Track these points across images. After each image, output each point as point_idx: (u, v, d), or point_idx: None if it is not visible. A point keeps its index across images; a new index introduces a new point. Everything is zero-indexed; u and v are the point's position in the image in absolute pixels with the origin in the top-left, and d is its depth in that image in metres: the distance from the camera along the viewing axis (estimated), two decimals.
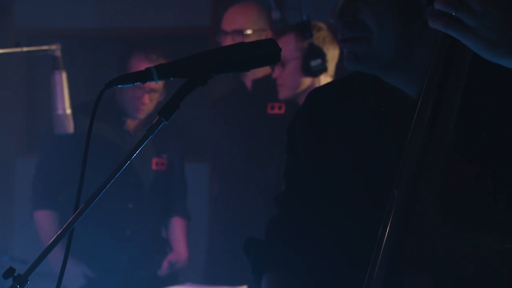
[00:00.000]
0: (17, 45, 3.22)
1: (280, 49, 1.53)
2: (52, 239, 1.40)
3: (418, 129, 1.48)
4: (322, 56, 3.65)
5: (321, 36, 3.70)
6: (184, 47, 5.29)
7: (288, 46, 3.63)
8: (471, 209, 1.48)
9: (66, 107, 3.25)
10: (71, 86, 3.33)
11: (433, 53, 1.50)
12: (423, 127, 1.48)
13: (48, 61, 3.33)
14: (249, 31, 3.88)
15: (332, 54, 3.72)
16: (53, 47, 3.27)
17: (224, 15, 4.01)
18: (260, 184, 3.90)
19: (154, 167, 4.07)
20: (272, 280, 1.76)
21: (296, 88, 3.71)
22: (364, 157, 1.64)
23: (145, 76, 1.48)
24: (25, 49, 3.24)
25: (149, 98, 3.93)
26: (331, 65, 3.73)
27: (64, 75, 3.28)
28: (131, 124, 4.03)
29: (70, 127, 3.25)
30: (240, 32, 3.88)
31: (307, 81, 3.70)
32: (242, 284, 3.37)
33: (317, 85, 3.56)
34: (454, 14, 1.35)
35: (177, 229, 4.17)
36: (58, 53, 3.27)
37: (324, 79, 3.66)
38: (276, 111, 3.92)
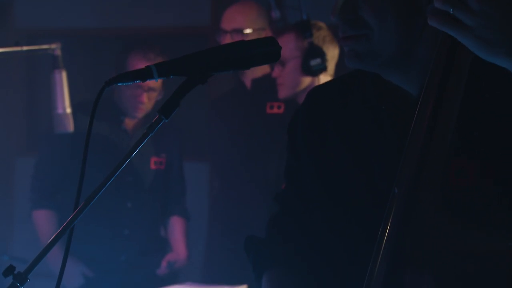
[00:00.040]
0: (17, 44, 3.22)
1: (280, 47, 1.53)
2: (52, 237, 1.40)
3: (418, 128, 1.48)
4: (322, 55, 3.65)
5: (321, 35, 3.70)
6: (184, 46, 5.26)
7: (288, 45, 3.63)
8: (471, 207, 1.48)
9: (66, 106, 3.25)
10: (71, 85, 3.33)
11: (434, 51, 1.50)
12: (423, 126, 1.48)
13: (48, 60, 3.33)
14: (248, 30, 3.88)
15: (332, 54, 3.73)
16: (53, 46, 3.27)
17: (224, 14, 4.01)
18: (259, 183, 3.90)
19: (153, 166, 4.07)
20: (272, 278, 1.76)
21: (295, 88, 3.71)
22: (365, 155, 1.64)
23: (145, 74, 1.48)
24: (25, 48, 3.24)
25: (147, 97, 3.93)
26: (331, 65, 3.73)
27: (64, 74, 3.28)
28: (129, 123, 4.03)
29: (70, 126, 3.25)
30: (240, 31, 3.88)
31: (306, 81, 3.70)
32: (242, 283, 3.36)
33: (316, 84, 3.55)
34: (451, 12, 1.35)
35: (176, 228, 4.16)
36: (58, 52, 3.27)
37: (324, 78, 3.66)
38: (275, 110, 3.92)
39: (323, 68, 3.66)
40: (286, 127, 1.83)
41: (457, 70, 1.48)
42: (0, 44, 3.29)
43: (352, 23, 1.57)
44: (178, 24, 5.52)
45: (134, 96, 3.92)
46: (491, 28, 1.34)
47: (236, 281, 3.44)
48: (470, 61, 1.48)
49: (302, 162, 1.75)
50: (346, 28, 1.58)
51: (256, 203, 3.86)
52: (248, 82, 4.04)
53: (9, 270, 1.39)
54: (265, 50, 1.52)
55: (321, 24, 3.74)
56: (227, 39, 3.88)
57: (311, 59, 3.64)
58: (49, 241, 1.40)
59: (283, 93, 3.74)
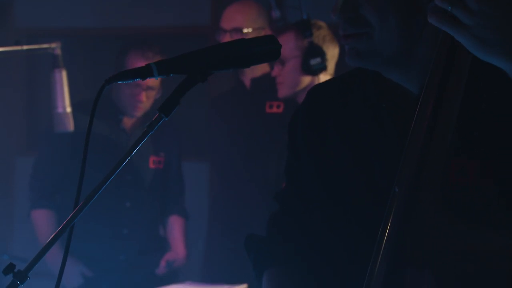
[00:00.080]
0: (17, 43, 3.22)
1: (280, 46, 1.53)
2: (53, 235, 1.40)
3: (418, 128, 1.49)
4: (322, 55, 3.65)
5: (321, 34, 3.70)
6: (184, 46, 5.25)
7: (288, 44, 3.63)
8: (472, 207, 1.48)
9: (66, 105, 3.25)
10: (71, 84, 3.33)
11: (434, 50, 1.50)
12: (423, 126, 1.48)
13: (48, 59, 3.33)
14: (247, 30, 3.88)
15: (332, 53, 3.72)
16: (53, 45, 3.27)
17: (223, 13, 4.01)
18: (258, 183, 3.90)
19: (151, 165, 4.07)
20: (273, 276, 1.76)
21: (295, 87, 3.71)
22: (365, 154, 1.64)
23: (145, 72, 1.47)
24: (25, 47, 3.24)
25: (146, 95, 3.93)
26: (331, 64, 3.73)
27: (64, 74, 3.28)
28: (127, 122, 4.03)
29: (70, 125, 3.25)
30: (239, 30, 3.88)
31: (306, 80, 3.70)
32: (242, 282, 3.36)
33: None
34: (450, 10, 1.35)
35: (175, 227, 4.16)
36: (58, 51, 3.27)
37: (324, 78, 3.66)
38: (274, 110, 3.92)
39: (323, 68, 3.65)
40: (286, 126, 1.83)
41: (457, 70, 1.49)
42: (0, 44, 3.29)
43: (353, 21, 1.57)
44: (178, 24, 5.52)
45: (132, 95, 3.92)
46: (489, 28, 1.34)
47: (236, 280, 3.44)
48: (470, 61, 1.48)
49: (302, 161, 1.75)
50: (347, 26, 1.58)
51: (255, 203, 3.86)
52: (247, 82, 4.04)
53: (9, 268, 1.39)
54: (265, 48, 1.52)
55: (321, 23, 3.74)
56: (226, 39, 3.88)
57: (311, 58, 3.64)
58: (50, 239, 1.40)
59: (282, 92, 3.74)
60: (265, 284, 1.76)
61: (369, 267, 1.49)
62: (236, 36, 3.85)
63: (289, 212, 1.79)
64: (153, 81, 3.90)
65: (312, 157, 1.73)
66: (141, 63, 3.62)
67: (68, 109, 3.25)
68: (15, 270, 1.39)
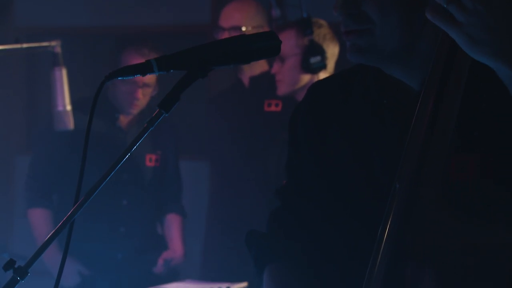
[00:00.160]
0: (17, 41, 3.22)
1: (280, 42, 1.53)
2: (52, 232, 1.40)
3: (419, 124, 1.49)
4: (322, 53, 3.65)
5: (322, 33, 3.70)
6: (184, 44, 5.23)
7: (289, 41, 3.63)
8: (472, 202, 1.48)
9: (66, 103, 3.25)
10: (71, 82, 3.33)
11: (435, 46, 1.50)
12: (424, 122, 1.48)
13: (48, 57, 3.33)
14: (246, 28, 3.88)
15: (332, 52, 3.72)
16: (53, 43, 3.27)
17: (222, 12, 4.01)
18: (257, 181, 3.90)
19: (148, 163, 4.06)
20: (274, 272, 1.76)
21: (294, 85, 3.71)
22: (366, 150, 1.64)
23: (145, 68, 1.47)
24: (25, 45, 3.24)
25: (142, 93, 3.93)
26: (331, 63, 3.73)
27: (64, 72, 3.28)
28: (124, 120, 4.02)
29: (71, 124, 3.25)
30: (238, 28, 3.88)
31: (306, 78, 3.70)
32: (241, 280, 3.37)
33: None
34: (445, 6, 1.36)
35: (172, 226, 4.15)
36: (58, 50, 3.27)
37: (323, 76, 3.66)
38: (273, 108, 3.92)
39: (322, 66, 3.65)
40: (284, 125, 1.83)
41: (458, 66, 1.49)
42: (0, 42, 3.29)
43: (354, 17, 1.57)
44: (178, 22, 5.52)
45: (129, 92, 3.91)
46: (481, 27, 1.35)
47: (236, 278, 3.44)
48: (470, 58, 1.48)
49: (303, 157, 1.75)
50: (348, 22, 1.57)
51: (254, 201, 3.85)
52: (246, 80, 4.04)
53: (9, 264, 1.39)
54: (265, 44, 1.52)
55: (322, 21, 3.74)
56: (225, 37, 3.88)
57: (311, 57, 3.64)
58: (49, 235, 1.39)
59: (281, 89, 3.73)
60: (266, 280, 1.76)
61: (370, 263, 1.49)
62: (235, 34, 3.84)
63: (290, 208, 1.79)
64: (149, 79, 3.91)
65: (312, 153, 1.73)
66: (137, 60, 3.63)
67: (68, 107, 3.25)
68: (15, 266, 1.39)
